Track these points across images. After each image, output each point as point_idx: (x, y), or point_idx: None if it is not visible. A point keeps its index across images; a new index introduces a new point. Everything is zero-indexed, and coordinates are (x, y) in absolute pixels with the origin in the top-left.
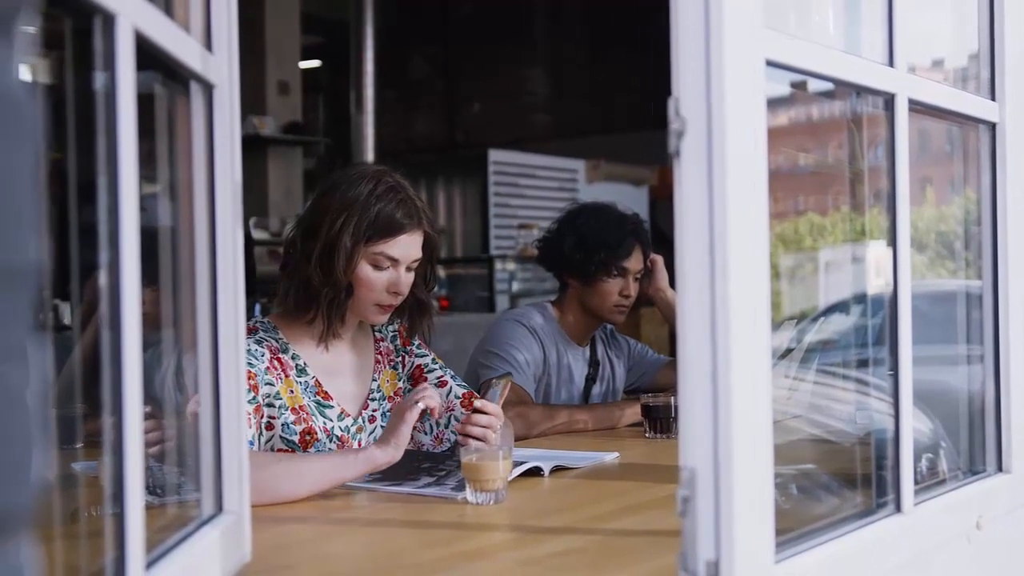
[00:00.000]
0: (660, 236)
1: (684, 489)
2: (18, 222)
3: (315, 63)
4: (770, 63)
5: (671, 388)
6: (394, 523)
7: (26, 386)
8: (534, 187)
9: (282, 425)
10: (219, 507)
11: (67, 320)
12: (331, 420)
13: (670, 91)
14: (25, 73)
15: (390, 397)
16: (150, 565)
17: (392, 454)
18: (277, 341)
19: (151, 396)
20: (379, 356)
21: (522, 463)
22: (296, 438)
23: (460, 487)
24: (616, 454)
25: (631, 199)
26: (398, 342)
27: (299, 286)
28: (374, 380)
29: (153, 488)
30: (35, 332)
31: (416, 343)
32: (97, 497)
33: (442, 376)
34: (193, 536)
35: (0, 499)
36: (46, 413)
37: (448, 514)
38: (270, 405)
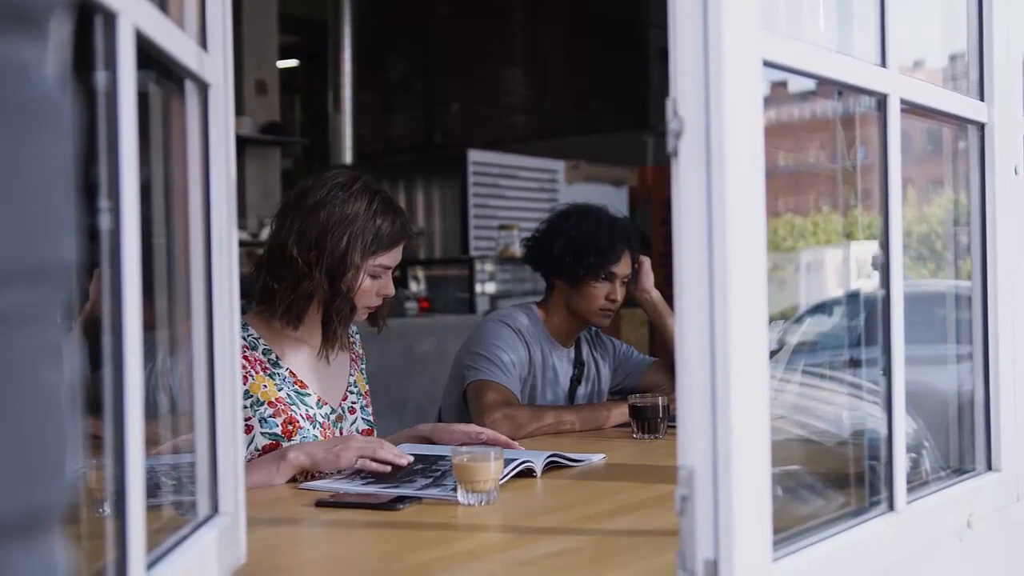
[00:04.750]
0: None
1: (683, 488)
2: (55, 221)
3: (293, 63)
4: (767, 63)
5: (656, 388)
6: (386, 524)
7: (60, 385)
8: (514, 188)
9: (260, 421)
10: (215, 508)
11: None
12: (311, 407)
13: (649, 92)
14: (59, 71)
15: (365, 393)
16: (150, 566)
17: (301, 460)
18: (246, 338)
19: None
20: (353, 354)
21: (515, 460)
22: (278, 430)
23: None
24: (603, 455)
25: (611, 200)
26: (361, 352)
27: (301, 297)
28: (351, 375)
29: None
30: (67, 331)
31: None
32: (87, 499)
33: (366, 402)
34: (191, 537)
35: (37, 497)
36: (77, 412)
37: (440, 515)
38: (243, 407)
